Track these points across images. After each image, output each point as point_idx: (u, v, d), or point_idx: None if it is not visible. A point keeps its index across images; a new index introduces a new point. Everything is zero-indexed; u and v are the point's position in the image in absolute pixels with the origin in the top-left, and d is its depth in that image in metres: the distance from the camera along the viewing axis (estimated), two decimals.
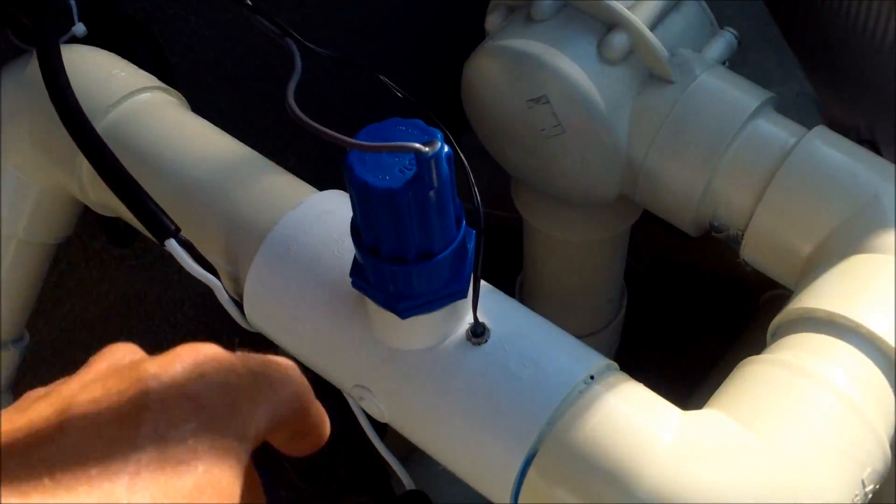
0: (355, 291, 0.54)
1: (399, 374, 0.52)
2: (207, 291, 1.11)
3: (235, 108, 0.93)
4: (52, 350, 0.94)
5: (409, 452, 0.75)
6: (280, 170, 0.62)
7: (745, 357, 0.56)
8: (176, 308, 1.05)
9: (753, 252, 0.63)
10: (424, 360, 0.52)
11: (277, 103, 1.00)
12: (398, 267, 0.48)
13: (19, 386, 0.75)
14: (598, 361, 0.52)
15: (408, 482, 0.63)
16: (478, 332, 0.52)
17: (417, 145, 0.45)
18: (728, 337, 1.00)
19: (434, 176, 0.46)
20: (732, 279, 0.99)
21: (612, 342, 0.87)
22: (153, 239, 0.62)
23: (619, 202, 0.69)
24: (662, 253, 1.00)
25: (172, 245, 0.57)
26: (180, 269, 1.03)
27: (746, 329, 0.90)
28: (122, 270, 0.97)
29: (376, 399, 0.53)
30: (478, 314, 0.52)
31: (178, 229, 0.57)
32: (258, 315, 0.58)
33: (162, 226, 0.57)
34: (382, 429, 0.66)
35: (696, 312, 1.08)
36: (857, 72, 0.86)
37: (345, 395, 0.61)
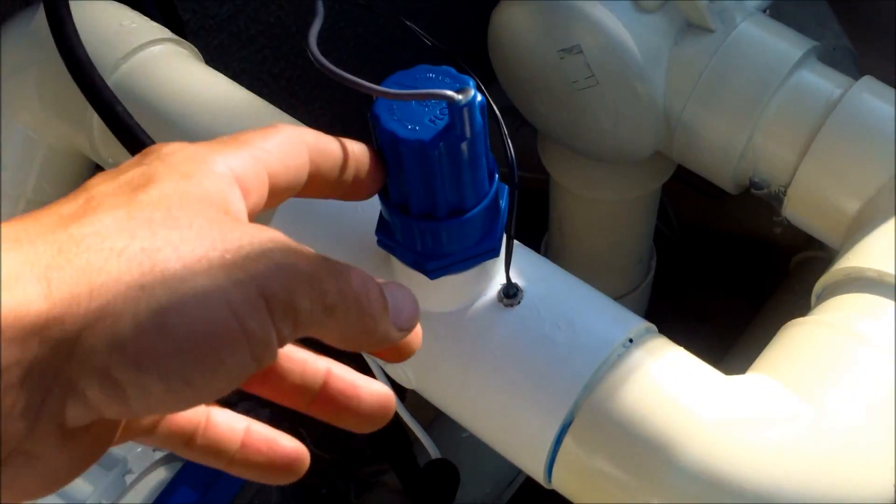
0: (380, 250, 0.51)
1: (427, 338, 0.49)
2: None
3: (247, 66, 0.90)
4: None
5: (429, 421, 0.72)
6: (299, 124, 0.60)
7: (775, 321, 0.53)
8: None
9: (796, 210, 0.60)
10: (454, 322, 0.49)
11: (290, 62, 0.97)
12: (427, 224, 0.46)
13: None
14: (636, 324, 0.49)
15: (433, 450, 0.60)
16: (510, 294, 0.49)
17: (450, 93, 0.43)
18: (755, 301, 0.97)
19: (467, 126, 0.44)
20: (761, 242, 0.96)
21: (640, 306, 0.84)
22: None
23: (653, 159, 0.66)
24: (690, 216, 0.97)
25: None
26: None
27: (776, 293, 0.88)
28: None
29: (403, 364, 0.51)
30: (510, 274, 0.49)
31: None
32: None
33: None
34: (402, 396, 0.63)
35: (724, 277, 1.06)
36: (894, 24, 0.82)
37: (367, 360, 0.59)
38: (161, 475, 0.62)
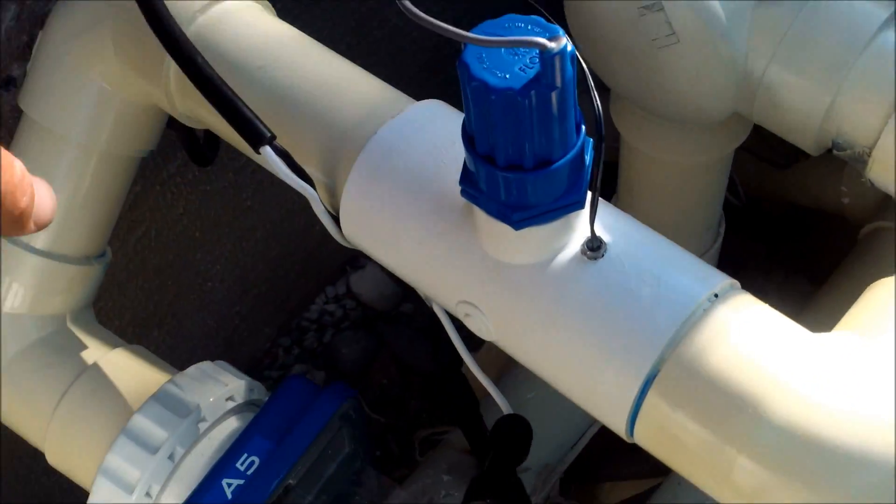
0: (462, 202, 0.51)
1: (509, 290, 0.50)
2: (279, 218, 1.10)
3: (320, 23, 0.90)
4: (127, 274, 0.93)
5: (495, 380, 0.72)
6: (376, 79, 0.60)
7: (844, 290, 0.52)
8: (248, 234, 1.03)
9: (881, 172, 0.59)
10: (536, 275, 0.49)
11: (353, 25, 0.96)
12: (514, 174, 0.46)
13: (94, 307, 0.74)
14: (721, 280, 0.49)
15: (505, 406, 0.60)
16: (594, 247, 0.49)
17: (542, 40, 0.42)
18: (815, 275, 0.96)
19: (558, 75, 0.43)
20: (827, 213, 0.95)
21: None
22: (244, 150, 0.60)
23: (729, 121, 0.66)
24: (755, 185, 0.96)
25: (268, 152, 0.54)
26: (254, 195, 1.02)
27: (845, 262, 0.87)
28: (197, 195, 0.95)
29: (483, 316, 0.51)
30: (594, 228, 0.49)
31: (273, 136, 0.54)
32: (355, 229, 0.55)
33: (257, 132, 0.54)
34: (473, 351, 0.63)
35: (790, 246, 1.05)
36: None
37: (436, 311, 0.58)
38: (234, 424, 0.62)
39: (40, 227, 0.39)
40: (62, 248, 0.67)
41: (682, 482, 0.73)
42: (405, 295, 1.13)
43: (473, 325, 0.52)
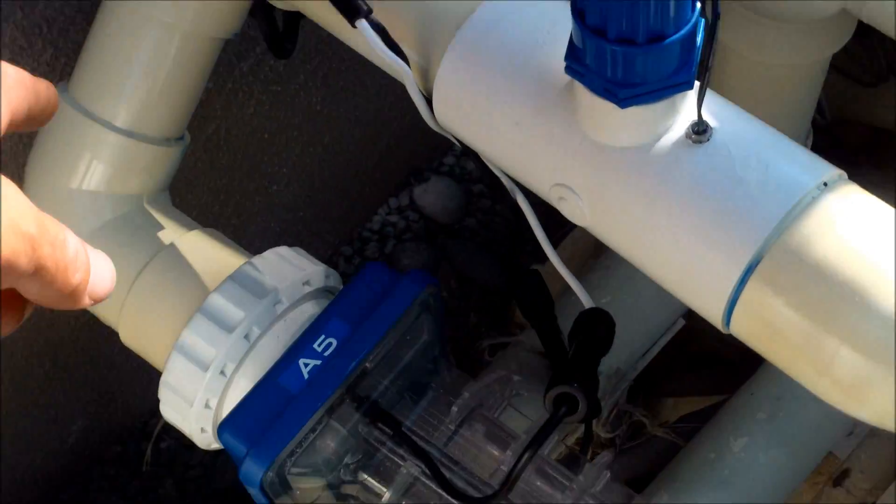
0: (562, 82, 0.50)
1: (609, 172, 0.48)
2: (347, 126, 1.09)
3: None
4: (196, 171, 0.93)
5: (564, 287, 0.71)
6: None
7: None
8: (316, 139, 1.02)
9: None
10: (638, 157, 0.48)
11: None
12: (625, 48, 0.44)
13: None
14: (830, 170, 0.47)
15: (587, 300, 0.59)
16: (700, 130, 0.47)
17: None
18: None
19: None
20: None
21: None
22: (334, 30, 0.59)
23: (831, 21, 0.63)
24: (842, 105, 0.94)
25: (364, 26, 0.53)
26: (324, 100, 1.01)
27: None
28: (268, 96, 0.95)
29: (579, 199, 0.50)
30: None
31: (370, 10, 0.53)
32: (449, 111, 0.54)
33: (354, 5, 0.53)
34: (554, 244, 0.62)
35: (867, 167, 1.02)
36: None
37: (519, 202, 0.57)
38: (310, 310, 0.62)
39: (96, 301, 0.38)
40: (143, 127, 0.67)
41: (755, 392, 0.73)
42: (468, 209, 1.12)
43: (567, 210, 0.51)
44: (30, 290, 0.35)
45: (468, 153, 0.56)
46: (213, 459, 1.03)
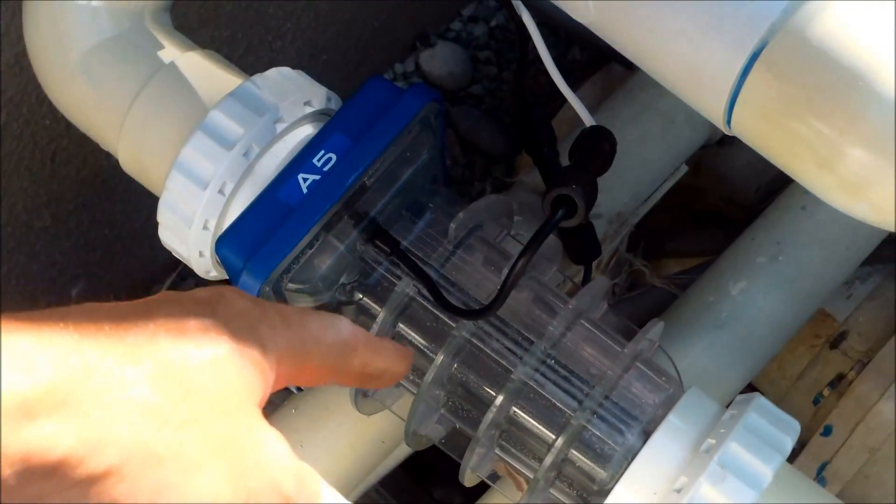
0: None
1: None
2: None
3: None
4: (198, 20, 0.91)
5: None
6: None
7: None
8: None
9: None
10: None
11: None
12: None
13: None
14: None
15: (587, 118, 0.59)
16: None
17: None
18: None
19: None
20: None
21: None
22: None
23: None
24: None
25: None
26: None
27: None
28: None
29: None
30: None
31: None
32: None
33: None
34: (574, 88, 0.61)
35: None
36: None
37: (522, 15, 0.56)
38: (310, 130, 0.61)
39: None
40: None
41: (755, 237, 0.72)
42: (474, 76, 1.11)
43: (572, 7, 0.50)
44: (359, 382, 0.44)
45: None
46: None
